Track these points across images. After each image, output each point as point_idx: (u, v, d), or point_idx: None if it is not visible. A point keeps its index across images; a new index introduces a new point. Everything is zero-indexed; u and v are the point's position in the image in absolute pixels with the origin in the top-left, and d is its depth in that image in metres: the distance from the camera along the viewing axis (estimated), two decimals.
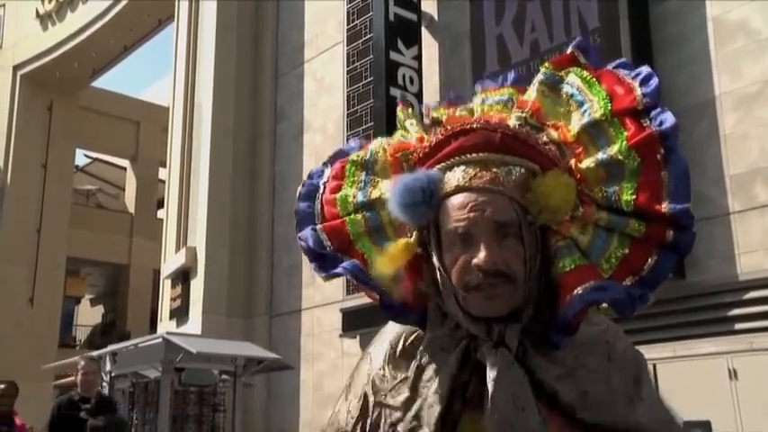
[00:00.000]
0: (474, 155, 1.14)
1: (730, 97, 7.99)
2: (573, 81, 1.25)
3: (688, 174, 1.15)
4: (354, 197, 1.25)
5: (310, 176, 1.33)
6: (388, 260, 1.16)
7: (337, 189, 1.27)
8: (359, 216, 1.23)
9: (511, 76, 1.33)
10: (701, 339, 7.58)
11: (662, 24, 8.61)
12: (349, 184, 1.27)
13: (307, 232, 1.25)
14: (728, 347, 7.37)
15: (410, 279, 1.17)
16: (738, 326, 7.48)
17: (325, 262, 1.22)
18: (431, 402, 1.15)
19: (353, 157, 1.30)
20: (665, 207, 1.13)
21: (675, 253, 1.16)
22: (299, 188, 1.32)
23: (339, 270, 1.19)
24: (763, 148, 7.68)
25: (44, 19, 21.94)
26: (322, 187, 1.30)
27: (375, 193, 1.23)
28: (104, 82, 29.26)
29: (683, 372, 7.16)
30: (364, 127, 11.75)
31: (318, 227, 1.24)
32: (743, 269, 7.58)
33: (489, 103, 1.26)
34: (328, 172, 1.31)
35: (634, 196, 1.14)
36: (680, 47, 8.43)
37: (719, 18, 8.21)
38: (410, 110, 1.35)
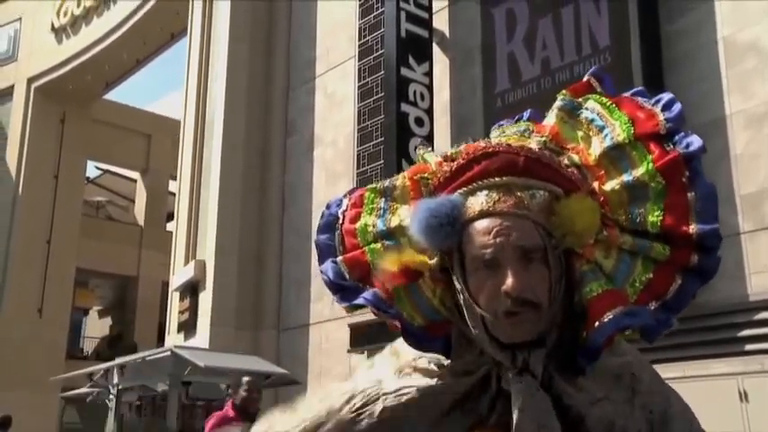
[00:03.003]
0: (497, 179, 1.12)
1: (741, 116, 7.97)
2: (592, 107, 1.24)
3: (715, 196, 1.15)
4: (374, 226, 1.24)
5: (328, 206, 1.32)
6: (397, 259, 1.16)
7: (356, 217, 1.26)
8: (378, 245, 1.22)
9: (526, 114, 1.31)
10: (712, 360, 7.53)
11: (673, 43, 8.62)
12: (368, 211, 1.26)
13: (327, 265, 1.24)
14: (739, 368, 7.32)
15: (402, 278, 1.16)
16: (749, 347, 7.43)
17: (346, 292, 1.22)
18: (424, 405, 1.16)
19: (372, 184, 1.30)
20: (692, 228, 1.12)
21: (699, 277, 1.16)
22: (319, 220, 1.31)
23: (360, 301, 1.19)
24: None
25: (59, 32, 22.15)
26: (341, 217, 1.28)
27: (395, 221, 1.22)
28: (116, 94, 29.32)
29: (692, 392, 7.07)
30: (374, 142, 11.78)
31: (339, 259, 1.24)
32: (753, 289, 7.53)
33: (507, 134, 1.25)
34: (346, 201, 1.30)
35: (660, 217, 1.13)
36: (690, 65, 8.43)
37: (730, 38, 8.21)
38: (429, 148, 1.34)
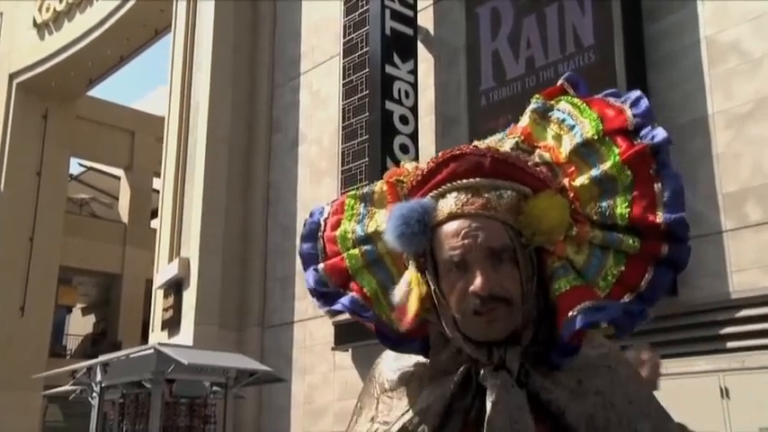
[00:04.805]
0: (465, 180, 1.14)
1: (723, 116, 8.04)
2: (563, 107, 1.27)
3: (681, 186, 1.16)
4: (353, 232, 1.27)
5: (311, 215, 1.35)
6: (411, 308, 1.16)
7: (337, 224, 1.29)
8: (356, 251, 1.25)
9: (510, 127, 1.33)
10: (694, 357, 7.59)
11: (656, 43, 8.67)
12: (348, 218, 1.29)
13: (309, 273, 1.28)
14: (720, 366, 7.38)
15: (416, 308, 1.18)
16: (731, 344, 7.49)
17: (327, 298, 1.25)
18: (422, 418, 1.16)
19: (353, 191, 1.33)
20: (659, 218, 1.14)
21: (671, 267, 1.17)
22: (302, 228, 1.34)
23: (337, 306, 1.23)
24: (756, 166, 7.73)
25: (41, 28, 21.96)
26: (323, 224, 1.31)
27: (372, 226, 1.25)
28: (99, 91, 29.18)
29: (674, 389, 7.13)
30: (359, 140, 11.78)
31: (320, 266, 1.27)
32: (735, 287, 7.60)
33: (486, 142, 1.28)
34: (328, 209, 1.33)
35: (628, 209, 1.15)
36: (673, 65, 8.49)
37: (712, 38, 8.27)
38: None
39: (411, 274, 1.18)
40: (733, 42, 8.12)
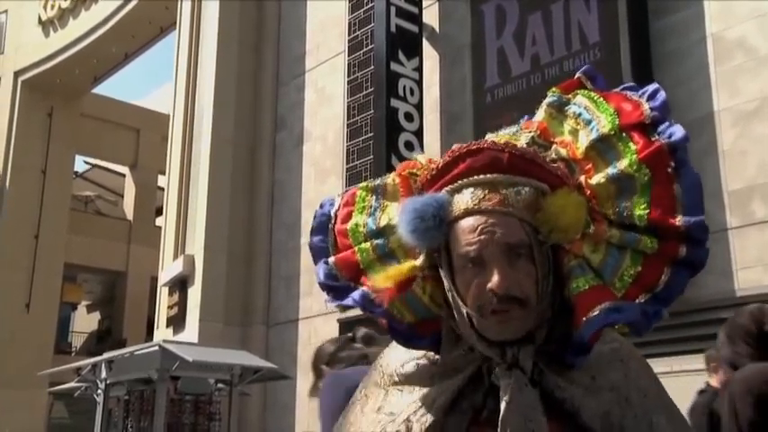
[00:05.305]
0: (482, 176, 1.12)
1: (729, 113, 8.02)
2: (580, 101, 1.25)
3: (700, 186, 1.15)
4: (365, 225, 1.25)
5: (321, 206, 1.33)
6: (386, 276, 1.17)
7: (348, 217, 1.27)
8: (368, 245, 1.23)
9: (523, 120, 1.31)
10: (699, 355, 7.54)
11: (662, 40, 8.65)
12: (359, 210, 1.27)
13: (319, 266, 1.26)
14: None
15: (396, 290, 1.18)
16: None
17: (337, 293, 1.23)
18: (426, 410, 1.15)
19: (365, 183, 1.31)
20: (678, 221, 1.13)
21: (689, 269, 1.17)
22: (312, 221, 1.32)
23: (348, 301, 1.21)
24: (761, 164, 7.71)
25: (46, 25, 21.98)
26: (333, 217, 1.29)
27: (384, 219, 1.23)
28: (104, 88, 29.25)
29: (679, 387, 7.10)
30: (364, 137, 11.78)
31: (330, 260, 1.25)
32: (740, 285, 7.58)
33: (500, 136, 1.25)
34: (339, 201, 1.31)
35: (647, 211, 1.13)
36: (679, 62, 8.47)
37: (718, 35, 8.25)
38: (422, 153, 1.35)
39: (408, 263, 1.18)
40: (739, 39, 8.09)
